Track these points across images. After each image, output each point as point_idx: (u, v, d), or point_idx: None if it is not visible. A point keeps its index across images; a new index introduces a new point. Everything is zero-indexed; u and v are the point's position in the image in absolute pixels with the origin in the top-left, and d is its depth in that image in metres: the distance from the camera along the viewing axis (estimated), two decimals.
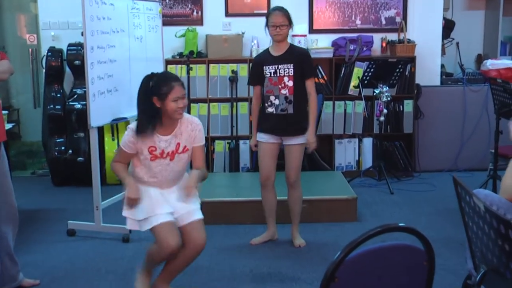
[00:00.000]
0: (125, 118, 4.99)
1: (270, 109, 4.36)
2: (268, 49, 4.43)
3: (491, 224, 1.97)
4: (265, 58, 4.39)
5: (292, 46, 4.40)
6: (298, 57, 4.30)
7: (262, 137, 4.44)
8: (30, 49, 6.89)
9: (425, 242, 1.85)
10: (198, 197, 3.54)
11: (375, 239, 1.78)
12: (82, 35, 4.57)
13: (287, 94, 4.28)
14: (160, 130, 3.31)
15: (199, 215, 3.42)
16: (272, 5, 6.46)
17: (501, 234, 1.90)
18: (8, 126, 4.83)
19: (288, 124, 4.30)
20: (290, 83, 4.27)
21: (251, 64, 5.16)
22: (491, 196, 2.73)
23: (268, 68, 4.32)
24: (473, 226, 2.21)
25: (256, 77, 4.43)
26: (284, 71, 4.27)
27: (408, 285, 1.91)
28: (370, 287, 1.85)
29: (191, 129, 3.40)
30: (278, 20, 4.23)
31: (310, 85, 4.30)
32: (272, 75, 4.31)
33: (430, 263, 1.87)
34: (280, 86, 4.29)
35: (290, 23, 4.31)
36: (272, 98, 4.33)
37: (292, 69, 4.26)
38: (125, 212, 3.40)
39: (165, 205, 3.36)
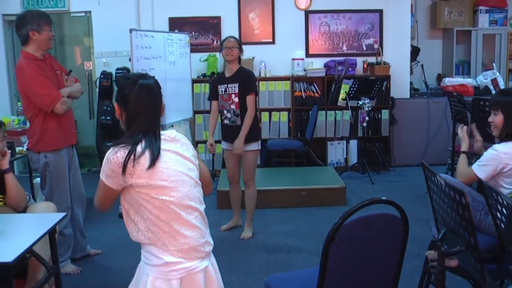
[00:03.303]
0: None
1: (225, 121, 4.23)
2: (224, 71, 4.29)
3: (449, 195, 2.08)
4: (219, 79, 4.25)
5: (240, 68, 4.18)
6: (242, 77, 4.12)
7: (223, 144, 4.33)
8: (86, 73, 6.96)
9: (401, 211, 1.92)
10: None
11: (364, 210, 1.86)
12: (129, 60, 4.69)
13: (235, 109, 4.14)
14: None
15: None
16: (276, 36, 6.60)
17: (456, 201, 2.01)
18: None
19: (238, 134, 4.12)
20: (236, 99, 4.12)
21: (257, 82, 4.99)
22: (449, 179, 2.88)
23: (220, 87, 4.18)
24: (437, 198, 2.31)
25: (213, 94, 4.29)
26: (231, 90, 4.13)
27: (388, 245, 1.97)
28: (360, 245, 1.92)
29: None
30: (230, 44, 4.09)
31: (248, 99, 4.09)
32: (223, 93, 4.17)
33: (405, 227, 1.93)
34: (229, 102, 4.15)
35: (240, 48, 4.15)
36: (225, 112, 4.20)
37: (237, 88, 4.11)
38: None
39: None
